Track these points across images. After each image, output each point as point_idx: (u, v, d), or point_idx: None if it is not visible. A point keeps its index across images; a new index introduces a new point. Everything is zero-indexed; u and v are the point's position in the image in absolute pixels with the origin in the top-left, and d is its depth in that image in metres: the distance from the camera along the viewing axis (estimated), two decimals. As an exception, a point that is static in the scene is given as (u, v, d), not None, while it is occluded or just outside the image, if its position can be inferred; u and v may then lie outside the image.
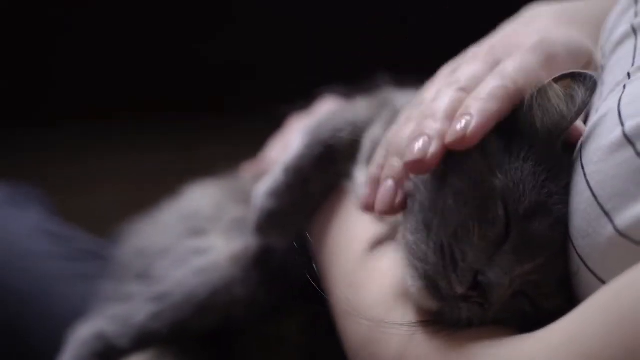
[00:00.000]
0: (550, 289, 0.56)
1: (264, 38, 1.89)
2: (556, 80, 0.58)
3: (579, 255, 0.53)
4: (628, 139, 0.50)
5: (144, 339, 0.77)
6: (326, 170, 0.74)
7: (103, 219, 0.96)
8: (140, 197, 0.94)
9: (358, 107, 0.78)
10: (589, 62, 0.65)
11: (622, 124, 0.51)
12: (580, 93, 0.57)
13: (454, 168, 0.57)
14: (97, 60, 1.91)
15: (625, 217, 0.49)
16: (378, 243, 0.66)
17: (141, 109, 1.79)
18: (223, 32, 1.91)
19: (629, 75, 0.56)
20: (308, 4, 1.84)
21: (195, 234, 0.83)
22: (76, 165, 1.78)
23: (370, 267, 0.64)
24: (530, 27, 0.67)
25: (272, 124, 0.92)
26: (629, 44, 0.60)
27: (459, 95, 0.60)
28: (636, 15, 0.61)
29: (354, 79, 0.82)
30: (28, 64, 1.90)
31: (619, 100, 0.53)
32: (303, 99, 0.88)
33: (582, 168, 0.54)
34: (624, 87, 0.55)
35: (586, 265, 0.53)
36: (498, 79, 0.59)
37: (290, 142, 0.80)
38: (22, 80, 1.89)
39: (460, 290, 0.54)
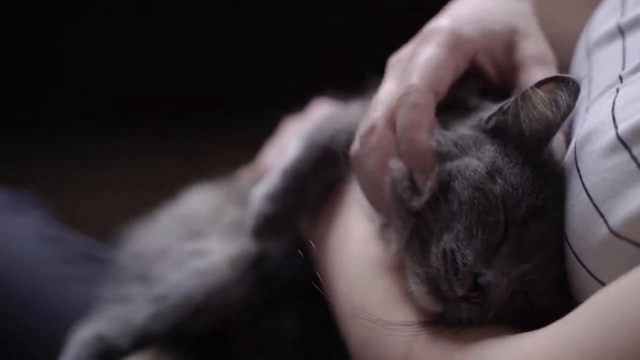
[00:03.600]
0: (544, 287, 0.58)
1: (265, 35, 1.88)
2: (539, 84, 0.59)
3: (575, 255, 0.55)
4: (622, 142, 0.52)
5: (143, 340, 0.78)
6: (324, 174, 0.75)
7: (107, 222, 0.95)
8: (144, 200, 0.94)
9: (353, 111, 0.80)
10: (511, 38, 0.65)
11: (616, 127, 0.53)
12: (564, 97, 0.58)
13: (456, 175, 0.58)
14: (98, 61, 1.89)
15: (618, 217, 0.51)
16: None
17: (141, 111, 1.77)
18: (224, 28, 1.90)
19: (620, 78, 0.58)
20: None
21: (194, 237, 0.83)
22: (79, 168, 1.77)
23: (372, 269, 0.66)
24: (447, 11, 0.67)
25: (274, 126, 0.92)
26: (617, 45, 0.61)
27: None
28: (622, 14, 0.63)
29: (359, 77, 0.82)
30: (29, 68, 1.89)
31: (613, 104, 0.55)
32: (305, 101, 0.89)
33: (578, 170, 0.56)
34: (617, 90, 0.57)
35: (582, 264, 0.54)
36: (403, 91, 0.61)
37: (286, 146, 0.80)
38: (23, 84, 1.87)
39: (460, 292, 0.56)
